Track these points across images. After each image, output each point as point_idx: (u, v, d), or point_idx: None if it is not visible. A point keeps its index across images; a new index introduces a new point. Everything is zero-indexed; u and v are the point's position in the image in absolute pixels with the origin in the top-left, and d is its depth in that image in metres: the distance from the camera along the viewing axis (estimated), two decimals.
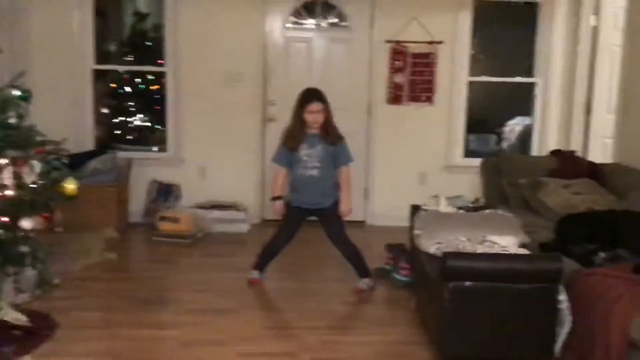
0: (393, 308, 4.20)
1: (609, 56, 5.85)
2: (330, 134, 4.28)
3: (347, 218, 4.42)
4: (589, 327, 3.16)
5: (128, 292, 4.29)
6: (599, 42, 5.94)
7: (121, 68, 7.24)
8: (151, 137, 7.18)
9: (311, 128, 4.28)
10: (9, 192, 3.31)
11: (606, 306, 3.03)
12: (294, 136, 4.29)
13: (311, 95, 4.30)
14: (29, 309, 3.70)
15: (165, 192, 6.13)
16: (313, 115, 4.24)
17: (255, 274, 4.50)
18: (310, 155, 4.27)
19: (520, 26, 6.72)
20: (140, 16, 7.33)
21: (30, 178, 3.39)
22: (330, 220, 4.39)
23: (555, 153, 5.43)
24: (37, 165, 3.43)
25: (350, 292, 4.37)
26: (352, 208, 4.41)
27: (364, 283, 4.41)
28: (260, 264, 4.53)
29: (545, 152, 6.04)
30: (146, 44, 7.24)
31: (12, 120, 3.42)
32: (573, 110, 6.13)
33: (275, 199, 4.42)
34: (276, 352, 3.44)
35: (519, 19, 6.72)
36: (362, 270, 4.44)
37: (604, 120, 5.86)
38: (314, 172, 4.28)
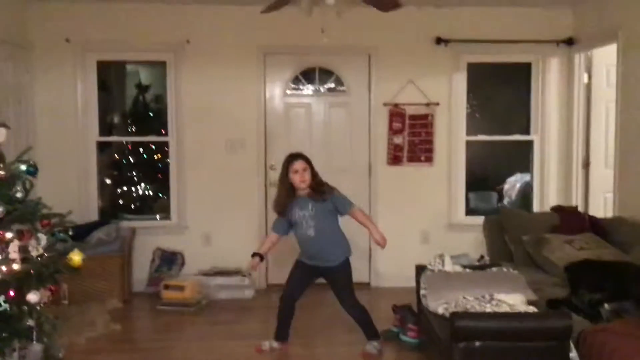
0: None
1: (603, 112, 5.97)
2: (318, 191, 4.28)
3: (384, 247, 4.37)
4: None
5: None
6: (592, 98, 6.07)
7: (125, 139, 7.36)
8: (154, 206, 7.24)
9: (300, 190, 4.30)
10: (15, 266, 3.32)
11: None
12: (282, 202, 4.33)
13: (294, 155, 4.34)
14: None
15: (169, 260, 6.13)
16: (299, 174, 4.25)
17: (267, 344, 4.49)
18: (303, 216, 4.29)
19: (515, 85, 6.87)
20: (142, 88, 7.50)
21: (36, 251, 3.40)
22: (339, 281, 4.37)
23: (556, 209, 5.46)
24: (43, 238, 3.45)
25: (359, 356, 4.31)
26: (384, 237, 4.35)
27: (373, 347, 4.36)
28: (277, 332, 4.52)
29: (546, 207, 6.08)
30: (149, 115, 7.40)
31: (18, 195, 3.46)
32: (572, 165, 6.20)
33: (255, 255, 4.42)
34: None
35: (513, 79, 6.88)
36: (371, 332, 4.40)
37: (603, 175, 5.92)
38: (310, 232, 4.28)
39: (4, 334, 3.34)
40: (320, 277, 4.41)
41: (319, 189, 4.29)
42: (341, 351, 4.48)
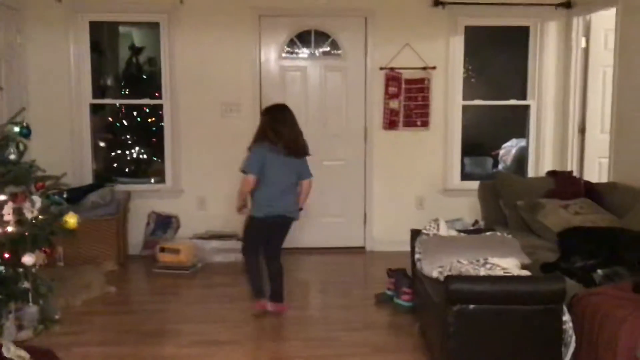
0: (397, 334, 4.18)
1: (600, 77, 5.93)
2: None
3: None
4: (594, 348, 3.16)
5: (130, 325, 4.27)
6: (590, 63, 6.03)
7: (118, 102, 7.29)
8: (149, 169, 7.21)
9: None
10: (10, 228, 3.31)
11: (612, 328, 3.03)
12: None
13: None
14: (31, 345, 3.67)
15: (164, 224, 6.13)
16: None
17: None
18: None
19: (512, 50, 6.82)
20: (136, 50, 7.40)
21: (31, 213, 3.39)
22: None
23: (552, 174, 5.46)
24: (37, 201, 3.43)
25: (349, 319, 4.39)
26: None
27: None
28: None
29: (541, 173, 6.08)
30: (142, 77, 7.31)
31: (12, 157, 3.43)
32: (567, 131, 6.19)
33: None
34: None
35: (511, 43, 6.81)
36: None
37: (599, 140, 5.91)
38: None
39: None
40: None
41: None
42: (336, 314, 4.53)
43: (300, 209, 4.60)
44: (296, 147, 4.40)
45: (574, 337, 3.20)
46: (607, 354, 3.03)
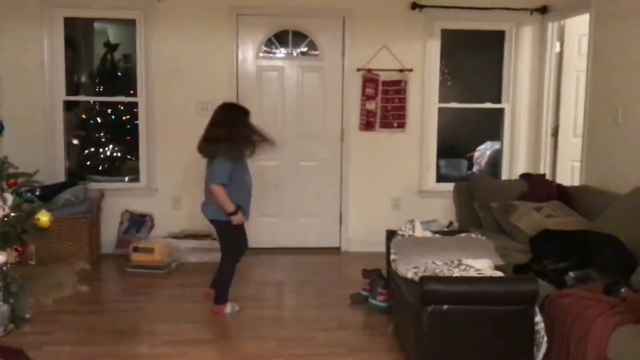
0: (371, 334, 4.20)
1: (574, 81, 6.02)
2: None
3: None
4: (565, 348, 3.21)
5: (102, 325, 4.22)
6: (563, 67, 6.12)
7: (92, 99, 7.20)
8: (122, 168, 7.14)
9: None
10: None
11: (583, 327, 3.08)
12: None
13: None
14: (2, 345, 3.61)
15: (138, 222, 6.08)
16: None
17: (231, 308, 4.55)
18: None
19: (488, 53, 6.89)
20: (111, 46, 7.33)
21: (2, 211, 3.34)
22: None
23: (525, 176, 5.53)
24: (9, 198, 3.38)
25: (324, 319, 4.40)
26: None
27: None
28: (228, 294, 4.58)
29: (515, 175, 6.16)
30: (117, 74, 7.24)
31: None
32: (541, 134, 6.28)
33: (237, 208, 4.37)
34: None
35: (486, 47, 6.89)
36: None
37: (571, 144, 6.00)
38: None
39: None
40: None
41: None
42: (310, 313, 4.53)
43: (231, 213, 4.35)
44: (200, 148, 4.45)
45: (545, 338, 3.25)
46: (578, 354, 3.08)
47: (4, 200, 3.34)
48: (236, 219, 4.36)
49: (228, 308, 4.49)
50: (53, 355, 3.68)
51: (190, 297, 4.86)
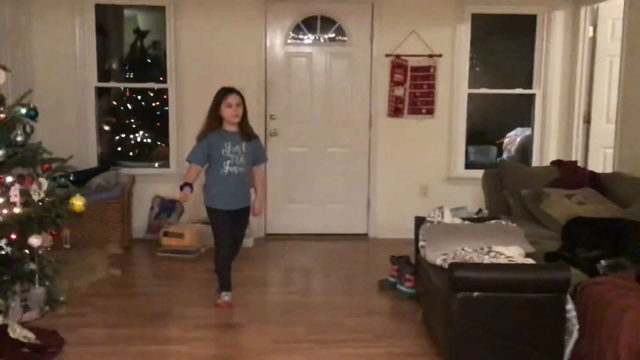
0: (399, 320, 4.20)
1: (607, 67, 5.91)
2: (246, 132, 4.31)
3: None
4: (597, 337, 3.18)
5: (134, 308, 4.29)
6: (597, 52, 6.01)
7: (123, 85, 7.28)
8: (153, 154, 7.21)
9: (229, 125, 4.27)
10: (17, 210, 3.32)
11: (615, 317, 3.04)
12: (208, 133, 4.25)
13: (229, 89, 4.30)
14: (37, 327, 3.70)
15: (168, 208, 6.15)
16: (232, 109, 4.22)
17: (225, 296, 4.38)
18: (236, 152, 4.25)
19: (519, 38, 6.79)
20: (141, 34, 7.38)
21: (37, 195, 3.40)
22: (245, 221, 4.52)
23: (556, 163, 5.46)
24: (44, 183, 3.44)
25: (352, 305, 4.41)
26: (262, 207, 4.58)
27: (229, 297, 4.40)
28: (223, 284, 4.42)
29: (545, 162, 6.08)
30: (147, 61, 7.29)
31: (19, 139, 3.44)
32: (573, 120, 6.18)
33: (185, 184, 4.29)
34: None
35: (518, 31, 6.78)
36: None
37: (604, 130, 5.91)
38: (241, 170, 4.28)
39: (5, 277, 3.38)
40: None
41: (248, 129, 4.34)
42: (338, 300, 4.55)
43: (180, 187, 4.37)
44: None
45: (577, 326, 3.22)
46: (610, 343, 3.05)
47: (39, 185, 3.41)
48: (180, 193, 4.31)
49: (225, 297, 4.38)
50: (86, 337, 3.75)
51: None
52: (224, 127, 4.27)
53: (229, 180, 4.28)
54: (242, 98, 4.30)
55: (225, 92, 4.28)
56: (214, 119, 4.25)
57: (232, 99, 4.23)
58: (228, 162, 4.25)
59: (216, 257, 4.45)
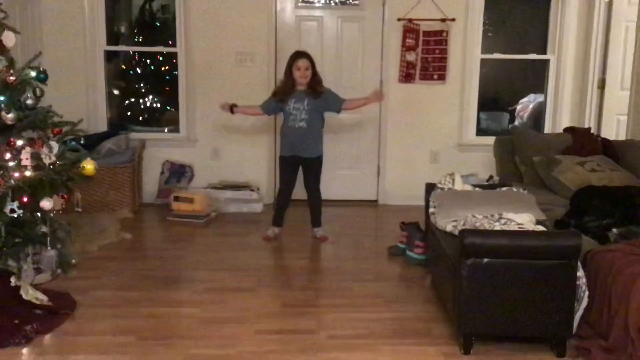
0: (409, 286, 4.21)
1: (622, 32, 5.82)
2: (315, 90, 4.82)
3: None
4: (607, 304, 3.18)
5: (145, 271, 4.33)
6: (612, 17, 5.89)
7: (132, 49, 7.22)
8: (162, 118, 7.19)
9: (299, 85, 4.82)
10: (28, 173, 3.33)
11: (625, 284, 3.04)
12: (284, 91, 4.87)
13: (299, 53, 4.88)
14: (49, 289, 3.75)
15: (178, 173, 6.16)
16: (301, 72, 4.78)
17: (271, 231, 5.07)
18: (298, 109, 4.82)
19: (534, 2, 6.65)
20: None
21: (48, 159, 3.41)
22: (314, 170, 5.00)
23: (569, 130, 5.40)
24: (55, 146, 3.45)
25: (361, 270, 4.43)
26: (378, 93, 5.12)
27: (323, 231, 5.11)
28: (276, 218, 5.11)
29: (558, 129, 6.02)
30: (156, 25, 7.22)
31: (29, 102, 3.44)
32: (587, 87, 6.10)
33: (235, 105, 5.03)
34: (295, 329, 3.47)
35: None
36: (318, 220, 5.11)
37: (618, 97, 5.84)
38: (302, 124, 4.83)
39: (17, 240, 3.41)
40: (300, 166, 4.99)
41: (317, 88, 4.85)
42: (348, 265, 4.56)
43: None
44: None
45: (587, 293, 3.22)
46: (620, 310, 3.05)
47: (50, 149, 3.42)
48: (227, 104, 5.04)
49: (270, 232, 5.07)
50: (98, 299, 3.79)
51: (230, 246, 4.94)
52: (296, 87, 4.83)
53: (292, 132, 4.87)
54: (312, 61, 4.84)
55: (295, 56, 4.85)
56: (288, 78, 4.85)
57: (301, 62, 4.79)
58: (291, 117, 4.85)
59: (277, 200, 5.26)
